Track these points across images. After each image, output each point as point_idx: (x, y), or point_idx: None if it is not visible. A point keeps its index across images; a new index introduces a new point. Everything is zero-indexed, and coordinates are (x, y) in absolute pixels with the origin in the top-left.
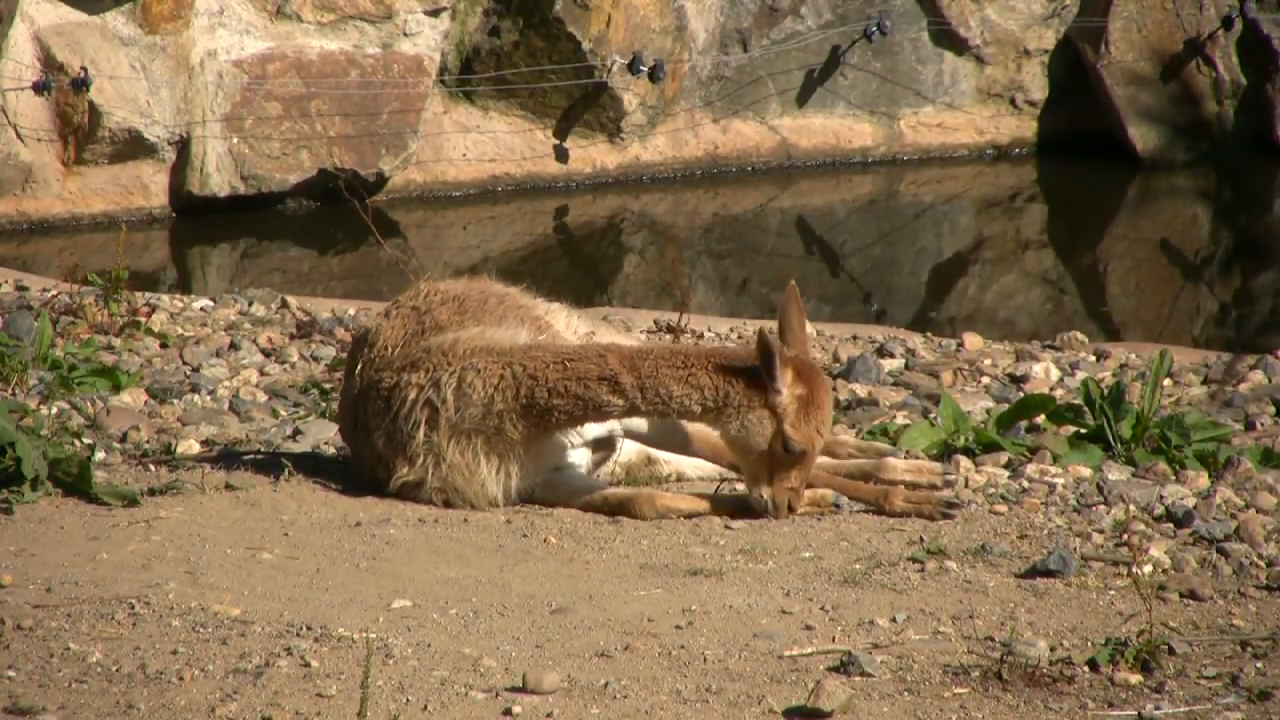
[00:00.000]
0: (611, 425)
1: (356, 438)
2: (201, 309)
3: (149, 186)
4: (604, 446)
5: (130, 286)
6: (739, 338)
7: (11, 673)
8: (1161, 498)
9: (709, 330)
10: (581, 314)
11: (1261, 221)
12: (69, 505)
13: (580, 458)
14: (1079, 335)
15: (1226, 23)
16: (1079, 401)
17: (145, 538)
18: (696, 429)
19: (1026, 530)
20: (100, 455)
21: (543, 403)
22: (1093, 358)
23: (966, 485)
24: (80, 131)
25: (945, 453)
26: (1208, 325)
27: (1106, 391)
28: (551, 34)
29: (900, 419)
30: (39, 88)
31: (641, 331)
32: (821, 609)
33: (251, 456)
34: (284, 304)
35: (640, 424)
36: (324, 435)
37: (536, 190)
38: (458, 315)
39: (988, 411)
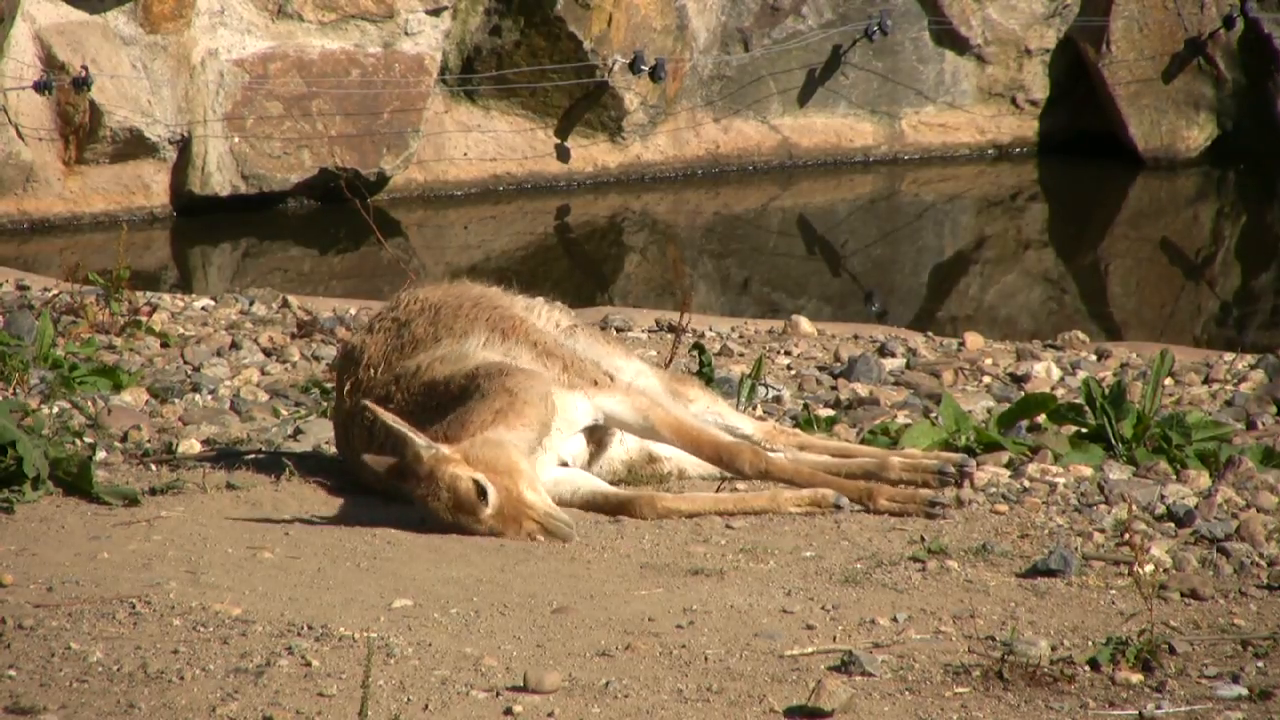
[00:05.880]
0: (595, 416)
1: (351, 454)
2: (202, 308)
3: (150, 186)
4: (597, 434)
5: (131, 286)
6: (740, 337)
7: (12, 672)
8: (1163, 497)
9: (710, 329)
10: (563, 307)
11: (1262, 221)
12: (70, 505)
13: (577, 446)
14: (1080, 334)
15: (1228, 22)
16: (1080, 401)
17: (146, 537)
18: (674, 421)
19: (1027, 529)
20: (101, 455)
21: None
22: (1094, 357)
23: (970, 485)
24: (81, 131)
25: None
26: (1208, 325)
27: (1107, 391)
28: (553, 33)
29: (901, 418)
30: (40, 87)
31: (643, 331)
32: (822, 608)
33: (252, 456)
34: (285, 303)
35: (620, 411)
36: (325, 435)
37: (538, 189)
38: (431, 327)
39: (989, 411)
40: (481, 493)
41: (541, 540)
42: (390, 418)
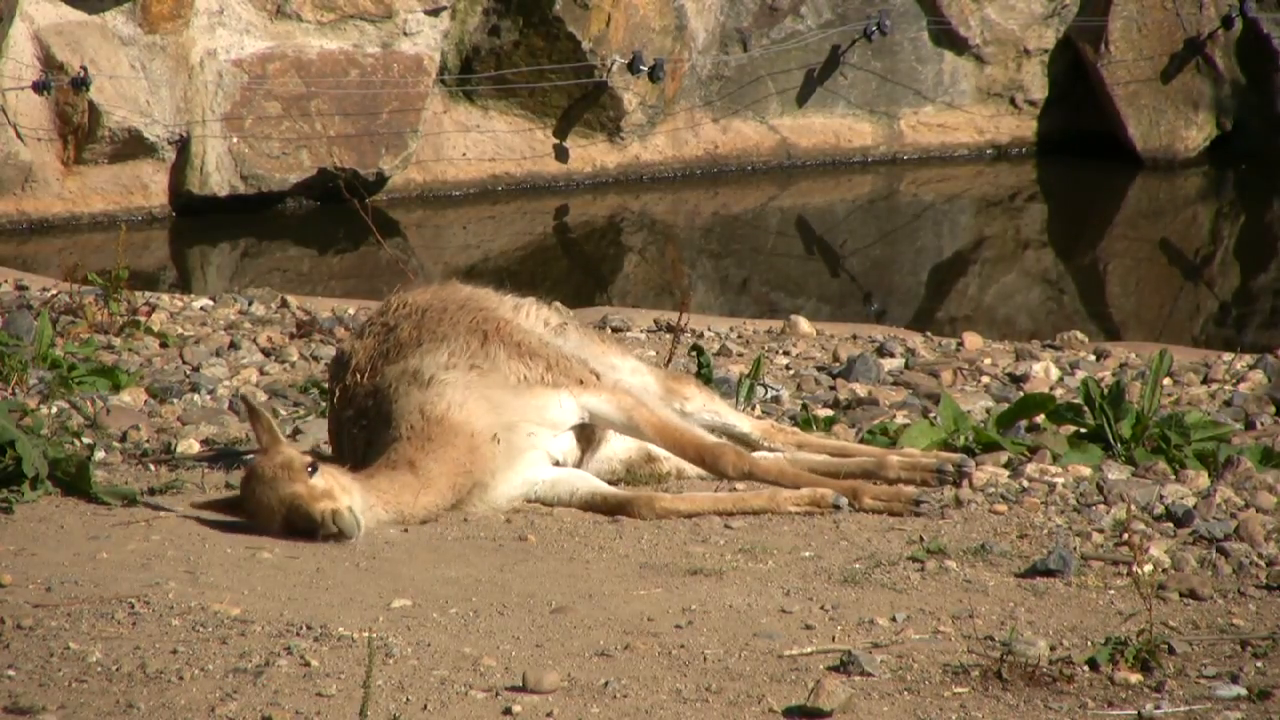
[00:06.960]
0: (581, 415)
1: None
2: (201, 308)
3: (149, 186)
4: (587, 431)
5: (130, 286)
6: (738, 337)
7: (11, 672)
8: (1161, 497)
9: (709, 329)
10: (557, 306)
11: (1261, 221)
12: (69, 504)
13: (567, 444)
14: (1079, 334)
15: (1226, 22)
16: (1079, 401)
17: (145, 537)
18: (657, 421)
19: (1026, 530)
20: (100, 455)
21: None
22: (1092, 357)
23: (969, 485)
24: (80, 131)
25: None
26: (1208, 325)
27: (1106, 391)
28: (551, 33)
29: (900, 419)
30: (39, 87)
31: (642, 331)
32: (821, 608)
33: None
34: (284, 303)
35: (604, 409)
36: (323, 435)
37: (536, 190)
38: (416, 331)
39: (987, 411)
40: (313, 469)
41: (332, 530)
42: (257, 405)
